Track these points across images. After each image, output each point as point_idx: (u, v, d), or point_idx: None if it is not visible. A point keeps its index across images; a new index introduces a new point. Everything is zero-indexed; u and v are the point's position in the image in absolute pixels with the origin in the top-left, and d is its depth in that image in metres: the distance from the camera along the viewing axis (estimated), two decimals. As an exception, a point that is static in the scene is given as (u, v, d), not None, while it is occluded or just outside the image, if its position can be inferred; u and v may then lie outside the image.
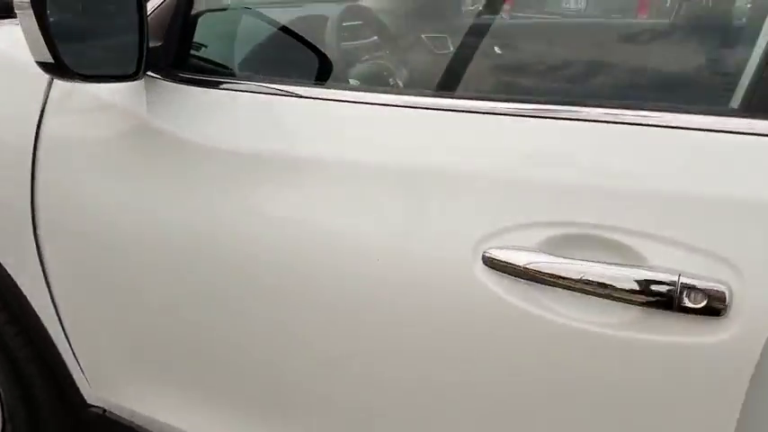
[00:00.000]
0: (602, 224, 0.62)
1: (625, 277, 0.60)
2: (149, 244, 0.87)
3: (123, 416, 1.06)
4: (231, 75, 1.01)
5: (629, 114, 0.64)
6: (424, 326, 0.70)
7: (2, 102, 1.00)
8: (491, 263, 0.65)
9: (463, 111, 0.73)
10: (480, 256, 0.65)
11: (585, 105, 0.66)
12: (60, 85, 0.92)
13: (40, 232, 0.95)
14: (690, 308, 0.57)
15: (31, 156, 0.93)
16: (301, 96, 0.83)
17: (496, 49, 1.24)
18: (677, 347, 0.59)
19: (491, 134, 0.70)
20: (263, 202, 0.79)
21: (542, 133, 0.68)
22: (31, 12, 0.72)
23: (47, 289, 0.99)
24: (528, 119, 0.68)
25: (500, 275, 0.65)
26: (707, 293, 0.57)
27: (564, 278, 0.63)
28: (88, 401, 1.10)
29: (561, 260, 0.63)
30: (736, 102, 0.66)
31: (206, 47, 1.01)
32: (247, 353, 0.85)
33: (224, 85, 0.88)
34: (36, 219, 0.95)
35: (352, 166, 0.74)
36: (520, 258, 0.64)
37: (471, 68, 1.03)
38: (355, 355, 0.76)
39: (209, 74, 0.94)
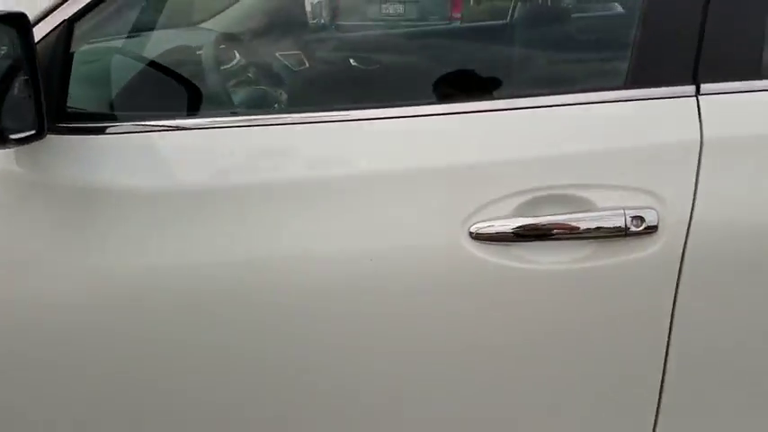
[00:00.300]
0: (557, 185, 0.80)
1: (584, 220, 0.79)
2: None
3: None
4: (113, 117, 1.01)
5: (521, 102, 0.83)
6: (432, 296, 0.83)
7: None
8: (476, 236, 0.80)
9: (351, 120, 0.85)
10: (467, 232, 0.80)
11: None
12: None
13: None
14: (634, 231, 0.77)
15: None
16: (186, 128, 0.88)
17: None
18: (626, 264, 0.79)
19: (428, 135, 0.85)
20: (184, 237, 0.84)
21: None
22: None
23: None
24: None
25: (485, 244, 0.80)
26: (643, 219, 0.78)
27: (537, 232, 0.80)
28: None
29: (531, 219, 0.80)
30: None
31: (83, 91, 1.01)
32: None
33: (109, 129, 0.89)
34: None
35: (268, 188, 0.84)
36: (500, 226, 0.80)
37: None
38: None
39: (92, 119, 0.94)
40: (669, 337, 0.81)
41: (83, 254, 0.84)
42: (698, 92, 0.80)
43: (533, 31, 1.58)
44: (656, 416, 0.85)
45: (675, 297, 0.79)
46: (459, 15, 7.67)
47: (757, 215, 0.79)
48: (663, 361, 0.82)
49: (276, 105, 1.35)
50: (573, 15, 1.55)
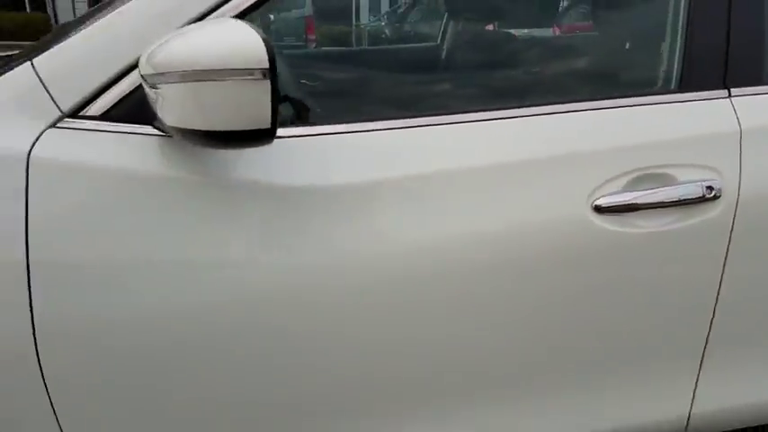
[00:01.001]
0: (651, 165, 1.03)
1: (675, 191, 1.02)
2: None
3: None
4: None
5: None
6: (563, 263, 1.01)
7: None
8: (598, 208, 1.00)
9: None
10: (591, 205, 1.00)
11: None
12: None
13: None
14: (707, 197, 1.03)
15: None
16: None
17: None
18: (703, 223, 1.04)
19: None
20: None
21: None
22: (263, 79, 0.72)
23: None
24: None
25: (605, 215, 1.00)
26: (712, 188, 1.03)
27: (641, 204, 1.02)
28: None
29: (638, 193, 1.02)
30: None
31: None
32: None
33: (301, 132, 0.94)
34: None
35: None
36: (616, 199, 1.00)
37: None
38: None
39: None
40: (722, 274, 1.08)
41: (299, 252, 0.89)
42: (729, 95, 1.09)
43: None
44: (703, 352, 1.13)
45: (729, 243, 1.06)
46: (313, 37, 7.87)
47: None
48: (717, 290, 1.09)
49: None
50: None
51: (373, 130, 0.96)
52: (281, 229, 0.89)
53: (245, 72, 0.72)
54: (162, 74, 0.74)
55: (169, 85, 0.74)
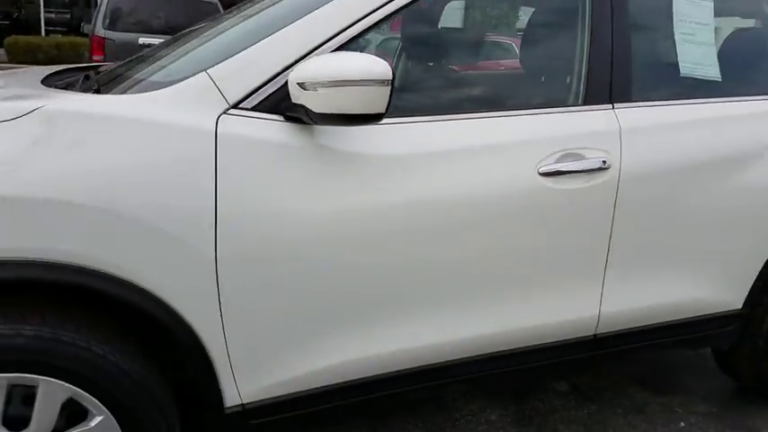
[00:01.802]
0: (570, 147, 1.69)
1: (582, 164, 1.69)
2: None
3: (268, 396, 1.50)
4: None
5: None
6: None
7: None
8: (541, 173, 1.64)
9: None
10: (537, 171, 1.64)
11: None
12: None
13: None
14: (603, 168, 1.70)
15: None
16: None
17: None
18: (600, 183, 1.70)
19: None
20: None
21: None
22: (386, 86, 1.30)
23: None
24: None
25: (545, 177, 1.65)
26: (605, 161, 1.71)
27: (564, 171, 1.67)
28: (226, 405, 1.47)
29: (562, 164, 1.67)
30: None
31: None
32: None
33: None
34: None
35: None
36: (551, 167, 1.65)
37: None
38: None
39: None
40: (613, 215, 1.75)
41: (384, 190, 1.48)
42: (613, 107, 1.78)
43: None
44: (605, 268, 1.80)
45: (616, 196, 1.74)
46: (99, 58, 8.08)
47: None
48: (609, 236, 1.76)
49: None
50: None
51: (420, 122, 1.55)
52: (371, 175, 1.46)
53: (379, 82, 1.30)
54: (318, 81, 1.29)
55: (323, 87, 1.29)
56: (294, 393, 1.53)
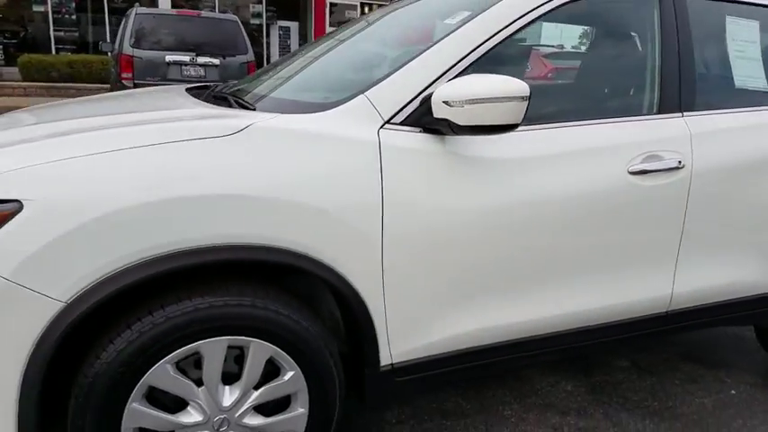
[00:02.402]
0: (652, 150, 2.00)
1: (663, 164, 2.01)
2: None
3: (415, 356, 1.81)
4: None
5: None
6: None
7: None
8: (630, 172, 1.96)
9: None
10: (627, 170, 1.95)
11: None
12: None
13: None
14: (678, 167, 2.01)
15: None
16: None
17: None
18: (677, 180, 2.02)
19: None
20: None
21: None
22: (525, 101, 1.61)
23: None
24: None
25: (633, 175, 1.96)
26: (680, 161, 2.02)
27: (649, 170, 1.99)
28: (381, 364, 1.78)
29: (647, 164, 1.98)
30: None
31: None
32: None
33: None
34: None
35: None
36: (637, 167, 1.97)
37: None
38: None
39: None
40: (686, 207, 2.07)
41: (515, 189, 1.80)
42: (683, 115, 2.10)
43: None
44: (678, 253, 2.11)
45: (689, 190, 2.06)
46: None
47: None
48: (683, 225, 2.07)
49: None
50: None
51: (529, 131, 1.85)
52: (491, 175, 1.77)
53: (519, 98, 1.61)
54: (464, 99, 1.60)
55: (468, 104, 1.60)
56: (432, 356, 1.84)
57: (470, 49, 1.80)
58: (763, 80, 2.35)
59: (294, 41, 18.19)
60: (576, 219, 1.91)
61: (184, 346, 1.49)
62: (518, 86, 1.61)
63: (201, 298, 1.49)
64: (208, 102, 2.08)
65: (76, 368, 1.47)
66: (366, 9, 18.54)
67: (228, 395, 1.59)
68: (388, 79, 1.75)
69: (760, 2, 2.36)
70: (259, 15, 17.90)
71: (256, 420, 1.65)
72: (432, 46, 1.80)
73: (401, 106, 1.72)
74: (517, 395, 2.45)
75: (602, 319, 2.08)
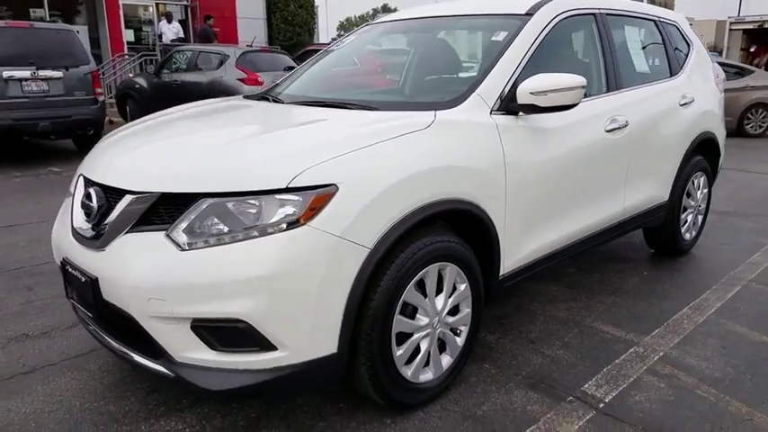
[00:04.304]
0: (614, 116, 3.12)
1: (618, 124, 3.13)
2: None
3: (513, 267, 2.68)
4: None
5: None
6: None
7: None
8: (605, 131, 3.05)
9: None
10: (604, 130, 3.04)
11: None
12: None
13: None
14: (625, 125, 3.17)
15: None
16: None
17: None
18: (624, 133, 3.17)
19: None
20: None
21: None
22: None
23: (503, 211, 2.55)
24: None
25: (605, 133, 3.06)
26: (627, 121, 3.18)
27: (611, 129, 3.10)
28: (500, 274, 2.65)
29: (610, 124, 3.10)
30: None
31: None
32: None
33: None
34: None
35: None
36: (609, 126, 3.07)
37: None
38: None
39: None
40: (629, 153, 3.24)
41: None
42: (618, 92, 3.26)
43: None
44: (626, 180, 3.29)
45: (630, 140, 3.23)
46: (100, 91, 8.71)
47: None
48: (627, 163, 3.25)
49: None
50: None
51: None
52: (551, 136, 2.70)
53: (580, 87, 2.54)
54: (547, 89, 2.49)
55: (551, 92, 2.49)
56: (524, 264, 2.73)
57: (520, 60, 2.69)
58: (645, 66, 3.63)
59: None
60: (584, 161, 2.95)
61: (420, 270, 2.18)
62: (579, 79, 2.55)
63: (430, 237, 2.20)
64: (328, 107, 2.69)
65: (367, 296, 2.07)
66: (159, 7, 17.94)
67: (439, 303, 2.32)
68: (484, 81, 2.57)
69: (640, 14, 3.64)
70: (41, 20, 16.35)
71: (451, 319, 2.39)
72: (500, 58, 2.66)
73: (495, 98, 2.56)
74: (533, 296, 3.45)
75: (595, 228, 3.16)
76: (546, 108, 2.54)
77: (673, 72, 3.88)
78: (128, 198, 2.06)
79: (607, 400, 2.40)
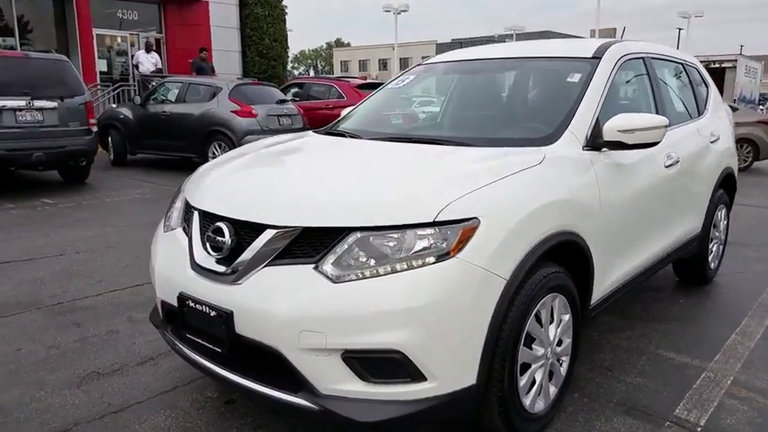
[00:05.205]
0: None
1: (675, 160, 3.33)
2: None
3: (598, 297, 2.78)
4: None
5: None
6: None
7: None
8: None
9: None
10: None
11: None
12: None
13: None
14: (678, 162, 3.37)
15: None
16: None
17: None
18: (677, 169, 3.37)
19: None
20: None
21: None
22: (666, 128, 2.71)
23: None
24: None
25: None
26: (679, 158, 3.38)
27: (672, 164, 3.30)
28: (590, 304, 2.77)
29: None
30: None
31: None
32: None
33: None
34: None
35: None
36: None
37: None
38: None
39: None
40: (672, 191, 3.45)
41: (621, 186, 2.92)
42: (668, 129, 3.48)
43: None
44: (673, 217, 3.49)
45: (679, 173, 3.44)
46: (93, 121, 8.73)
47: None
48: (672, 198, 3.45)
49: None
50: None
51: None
52: (628, 171, 2.86)
53: (663, 127, 2.72)
54: (634, 128, 2.65)
55: (638, 131, 2.65)
56: (607, 293, 2.85)
57: (599, 99, 2.86)
58: (682, 105, 3.88)
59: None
60: (651, 194, 3.12)
61: (539, 301, 2.27)
62: (662, 120, 2.73)
63: (546, 269, 2.29)
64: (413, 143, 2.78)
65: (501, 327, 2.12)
66: (132, 40, 17.83)
67: (551, 332, 2.40)
68: (574, 119, 2.71)
69: (673, 58, 3.89)
70: (11, 49, 15.97)
71: (558, 349, 2.47)
72: (583, 97, 2.82)
73: (584, 135, 2.70)
74: (592, 326, 3.57)
75: (654, 258, 3.32)
76: (632, 145, 2.70)
77: (700, 111, 4.14)
78: (269, 233, 2.08)
79: (702, 424, 2.52)
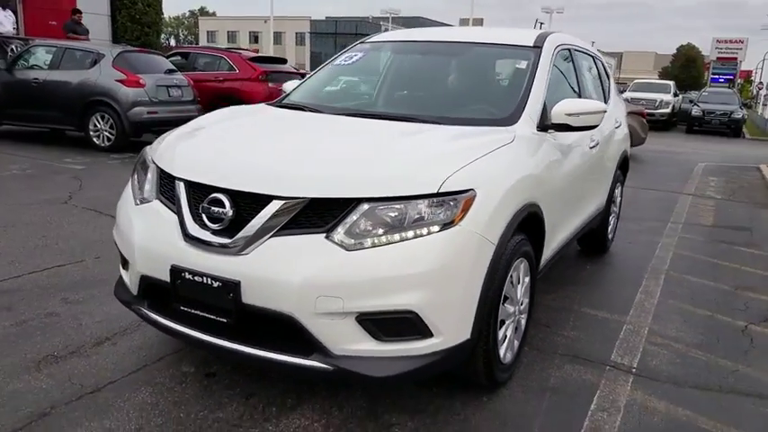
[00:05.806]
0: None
1: (594, 143, 3.77)
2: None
3: (546, 258, 3.10)
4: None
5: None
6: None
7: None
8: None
9: None
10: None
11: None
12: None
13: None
14: (597, 144, 3.81)
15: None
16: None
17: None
18: (596, 150, 3.81)
19: None
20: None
21: None
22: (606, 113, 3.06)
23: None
24: None
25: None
26: (596, 141, 3.82)
27: (593, 146, 3.73)
28: (540, 266, 3.10)
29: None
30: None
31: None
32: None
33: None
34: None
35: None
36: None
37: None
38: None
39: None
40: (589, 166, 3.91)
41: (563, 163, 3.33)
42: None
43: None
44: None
45: (597, 155, 3.90)
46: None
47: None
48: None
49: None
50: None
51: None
52: (565, 149, 3.21)
53: (602, 111, 3.08)
54: (579, 112, 2.99)
55: (583, 115, 2.99)
56: (549, 258, 3.20)
57: (544, 85, 3.18)
58: (594, 93, 4.36)
59: None
60: (581, 171, 3.52)
61: (512, 264, 2.53)
62: (602, 105, 3.11)
63: (518, 236, 2.55)
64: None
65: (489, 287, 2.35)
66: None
67: (518, 292, 2.68)
68: (528, 103, 3.00)
69: (587, 50, 4.35)
70: None
71: (521, 307, 2.77)
72: (533, 83, 3.12)
73: (537, 117, 3.00)
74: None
75: (578, 227, 3.75)
76: (576, 127, 3.04)
77: (605, 99, 4.66)
78: (276, 203, 2.13)
79: (636, 366, 2.96)
